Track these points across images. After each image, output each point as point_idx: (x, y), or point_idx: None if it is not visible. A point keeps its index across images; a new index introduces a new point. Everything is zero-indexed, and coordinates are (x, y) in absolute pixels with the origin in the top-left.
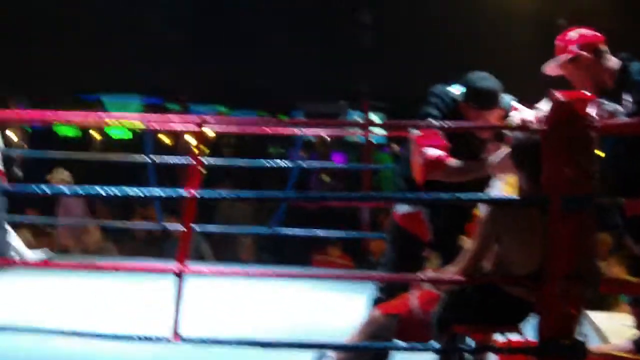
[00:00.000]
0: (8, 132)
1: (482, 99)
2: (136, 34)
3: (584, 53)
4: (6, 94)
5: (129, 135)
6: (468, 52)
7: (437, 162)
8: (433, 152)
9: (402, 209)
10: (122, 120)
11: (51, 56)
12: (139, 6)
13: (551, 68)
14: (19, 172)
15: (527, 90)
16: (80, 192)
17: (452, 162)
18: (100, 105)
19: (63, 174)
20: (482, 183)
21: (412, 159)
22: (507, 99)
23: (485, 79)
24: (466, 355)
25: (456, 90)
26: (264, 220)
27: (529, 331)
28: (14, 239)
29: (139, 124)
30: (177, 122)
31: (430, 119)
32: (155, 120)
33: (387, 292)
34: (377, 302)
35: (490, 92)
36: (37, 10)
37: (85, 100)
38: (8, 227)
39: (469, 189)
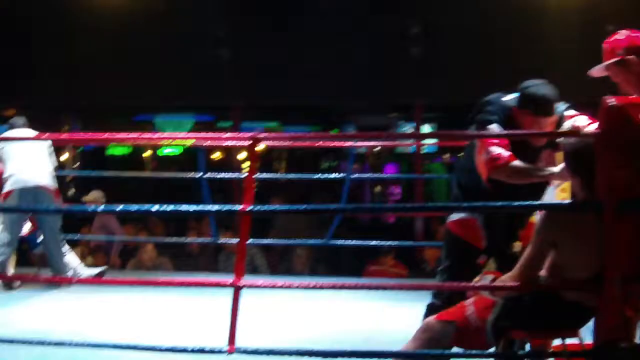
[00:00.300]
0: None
1: (538, 106)
2: (187, 53)
3: (632, 56)
4: (59, 115)
5: (179, 152)
6: (519, 61)
7: (502, 161)
8: (499, 150)
9: (455, 216)
10: (179, 139)
11: (103, 78)
12: (189, 25)
13: (597, 71)
14: (72, 191)
15: (578, 98)
16: (135, 209)
17: (517, 163)
18: (152, 125)
19: (97, 194)
20: (537, 190)
21: (476, 158)
22: (562, 106)
23: (541, 86)
24: None
25: (511, 98)
26: (318, 232)
27: (586, 335)
28: (71, 257)
29: (194, 142)
30: (231, 139)
31: (490, 126)
32: (210, 138)
33: (444, 300)
34: (433, 309)
35: (546, 99)
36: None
37: (137, 120)
38: (64, 245)
39: (524, 196)
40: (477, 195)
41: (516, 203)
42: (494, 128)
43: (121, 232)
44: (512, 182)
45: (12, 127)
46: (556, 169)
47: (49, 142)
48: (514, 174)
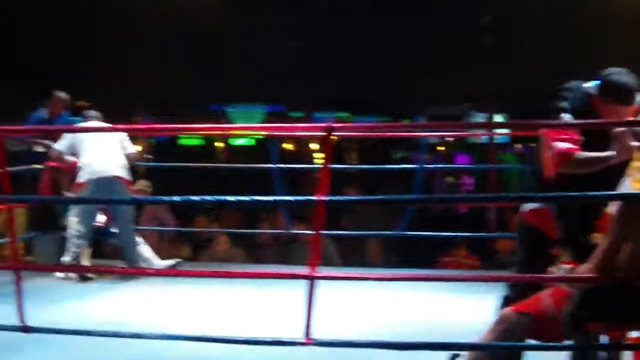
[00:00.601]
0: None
1: (619, 94)
2: (259, 44)
3: None
4: (132, 108)
5: (251, 143)
6: (594, 50)
7: (566, 155)
8: (562, 145)
9: (529, 206)
10: (252, 130)
11: (176, 69)
12: (261, 18)
13: None
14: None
15: None
16: (210, 200)
17: (582, 154)
18: (225, 116)
19: (142, 184)
20: (613, 179)
21: (542, 153)
22: None
23: (623, 74)
24: (600, 353)
25: (591, 86)
26: (390, 223)
27: None
28: (144, 249)
29: (267, 133)
30: (305, 128)
31: (562, 114)
32: (284, 128)
33: (518, 291)
34: (508, 300)
35: (627, 87)
36: (164, 26)
37: (209, 110)
38: (138, 237)
39: (599, 186)
40: (552, 185)
41: (591, 193)
42: (566, 118)
43: (172, 223)
44: (581, 172)
45: (85, 118)
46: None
47: (124, 134)
48: (580, 165)
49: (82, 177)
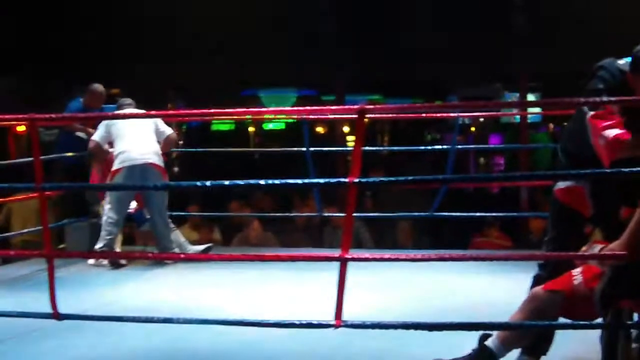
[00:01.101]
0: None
1: None
2: (290, 27)
3: None
4: (164, 93)
5: (282, 127)
6: (626, 28)
7: (619, 143)
8: (614, 132)
9: (562, 184)
10: (283, 113)
11: (207, 54)
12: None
13: None
14: (176, 169)
15: None
16: (240, 184)
17: (632, 140)
18: (257, 100)
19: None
20: None
21: (593, 142)
22: None
23: None
24: (633, 330)
25: (625, 62)
26: (422, 204)
27: None
28: (177, 234)
29: (300, 115)
30: (338, 110)
31: (597, 94)
32: (317, 110)
33: (550, 271)
34: (539, 280)
35: None
36: (196, 11)
37: (242, 96)
38: (171, 223)
39: (634, 164)
40: (584, 163)
41: (624, 169)
42: (597, 99)
43: None
44: (636, 154)
45: (120, 106)
46: None
47: (159, 120)
48: (634, 148)
49: (116, 165)
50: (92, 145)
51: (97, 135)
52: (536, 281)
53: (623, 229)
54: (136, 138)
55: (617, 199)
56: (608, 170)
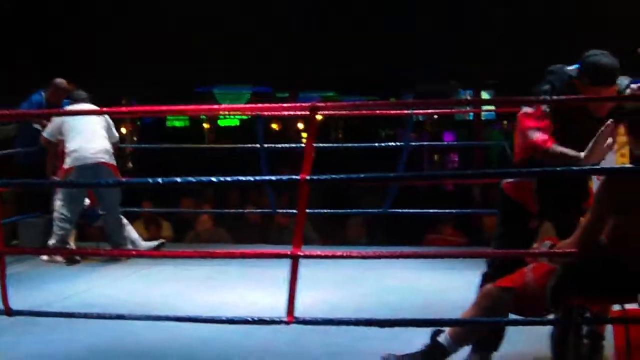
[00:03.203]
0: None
1: (597, 75)
2: (244, 25)
3: None
4: (119, 91)
5: (235, 123)
6: (581, 30)
7: (539, 147)
8: (537, 134)
9: (509, 179)
10: (237, 110)
11: (161, 51)
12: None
13: None
14: (130, 165)
15: None
16: (192, 180)
17: (556, 148)
18: (211, 97)
19: None
20: None
21: (515, 136)
22: (625, 80)
23: (602, 56)
24: (583, 327)
25: (573, 68)
26: (376, 201)
27: None
28: (130, 231)
29: (253, 113)
30: (290, 108)
31: (542, 96)
32: (269, 108)
33: (497, 267)
34: (487, 277)
35: (606, 68)
36: (149, 7)
37: (196, 92)
38: (124, 220)
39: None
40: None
41: (578, 168)
42: (541, 98)
43: None
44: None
45: (74, 100)
46: (590, 151)
47: (108, 118)
48: (550, 158)
49: (68, 163)
50: (42, 140)
51: (46, 131)
52: (484, 279)
53: (570, 224)
54: (87, 136)
55: (562, 195)
56: (559, 168)
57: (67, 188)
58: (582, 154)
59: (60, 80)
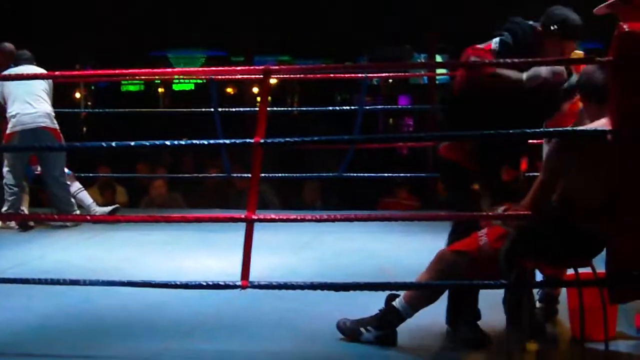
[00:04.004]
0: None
1: (568, 28)
2: None
3: None
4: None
5: (190, 87)
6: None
7: (480, 65)
8: (476, 57)
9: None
10: (191, 74)
11: (115, 15)
12: None
13: (600, 9)
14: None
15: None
16: (146, 144)
17: (497, 70)
18: (166, 61)
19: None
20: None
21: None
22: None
23: (570, 11)
24: (539, 290)
25: (535, 23)
26: (331, 165)
27: (599, 264)
28: (83, 195)
29: (207, 76)
30: (243, 71)
31: (505, 46)
32: (222, 72)
33: (461, 234)
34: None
35: (576, 22)
36: None
37: (150, 56)
38: (74, 184)
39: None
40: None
41: (529, 130)
42: (496, 40)
43: None
44: (489, 91)
45: (16, 62)
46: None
47: (50, 81)
48: (490, 79)
49: (9, 128)
50: None
51: None
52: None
53: (504, 189)
54: (27, 99)
55: (498, 156)
56: (511, 132)
57: (10, 153)
58: (525, 75)
59: (6, 44)
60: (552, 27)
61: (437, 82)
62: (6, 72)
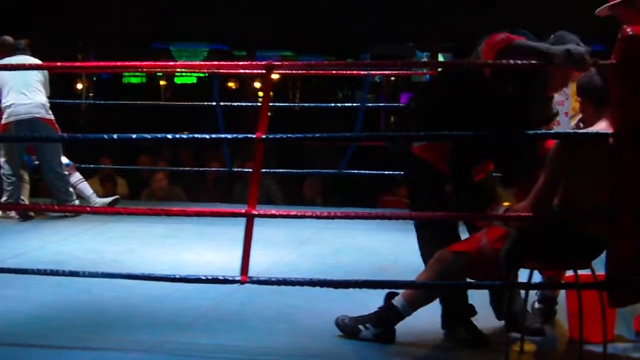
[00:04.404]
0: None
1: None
2: None
3: None
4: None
5: (192, 81)
6: None
7: (504, 41)
8: (500, 36)
9: (419, 141)
10: (194, 67)
11: (119, 8)
12: None
13: (602, 10)
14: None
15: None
16: (148, 137)
17: (520, 41)
18: (168, 54)
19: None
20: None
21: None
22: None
23: (574, 37)
24: (539, 292)
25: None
26: (332, 162)
27: (599, 267)
28: (83, 186)
29: (209, 70)
30: (245, 66)
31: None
32: (225, 67)
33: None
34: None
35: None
36: None
37: (153, 49)
38: (74, 175)
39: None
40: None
41: (532, 132)
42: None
43: None
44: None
45: (14, 51)
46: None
47: (45, 72)
48: (516, 50)
49: (4, 119)
50: None
51: None
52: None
53: (475, 189)
54: (22, 90)
55: (470, 157)
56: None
57: (6, 144)
58: (554, 48)
59: (5, 37)
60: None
61: None
62: (1, 62)
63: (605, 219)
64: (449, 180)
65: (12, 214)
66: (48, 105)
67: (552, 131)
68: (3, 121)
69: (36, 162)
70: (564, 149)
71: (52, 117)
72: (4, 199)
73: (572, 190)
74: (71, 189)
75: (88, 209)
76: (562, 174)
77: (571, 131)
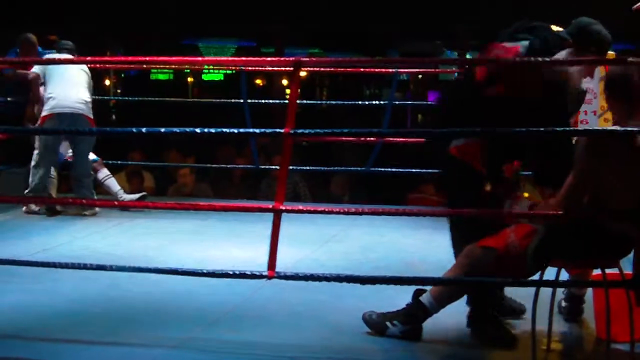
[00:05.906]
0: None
1: (603, 44)
2: None
3: None
4: (105, 42)
5: (220, 78)
6: None
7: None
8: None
9: (457, 142)
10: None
11: (148, 3)
12: None
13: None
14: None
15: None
16: (177, 131)
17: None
18: (196, 51)
19: None
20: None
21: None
22: None
23: (600, 25)
24: (566, 290)
25: (560, 30)
26: (359, 160)
27: (626, 266)
28: (111, 182)
29: (237, 66)
30: (274, 62)
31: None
32: (252, 62)
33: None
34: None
35: (608, 38)
36: None
37: (181, 45)
38: (104, 171)
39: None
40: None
41: (560, 129)
42: (524, 44)
43: None
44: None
45: (59, 50)
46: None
47: (89, 76)
48: (562, 77)
49: (45, 110)
50: (33, 77)
51: (35, 69)
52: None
53: (506, 185)
54: (68, 85)
55: (503, 155)
56: (542, 130)
57: (44, 136)
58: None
59: (29, 35)
60: (591, 48)
61: None
62: (49, 56)
63: (634, 218)
64: (487, 179)
65: (33, 207)
66: (91, 104)
67: (581, 128)
68: (44, 112)
69: (65, 158)
70: (594, 146)
71: (92, 116)
72: (27, 191)
73: (601, 188)
74: (108, 184)
75: (116, 203)
76: (592, 172)
77: (600, 128)
